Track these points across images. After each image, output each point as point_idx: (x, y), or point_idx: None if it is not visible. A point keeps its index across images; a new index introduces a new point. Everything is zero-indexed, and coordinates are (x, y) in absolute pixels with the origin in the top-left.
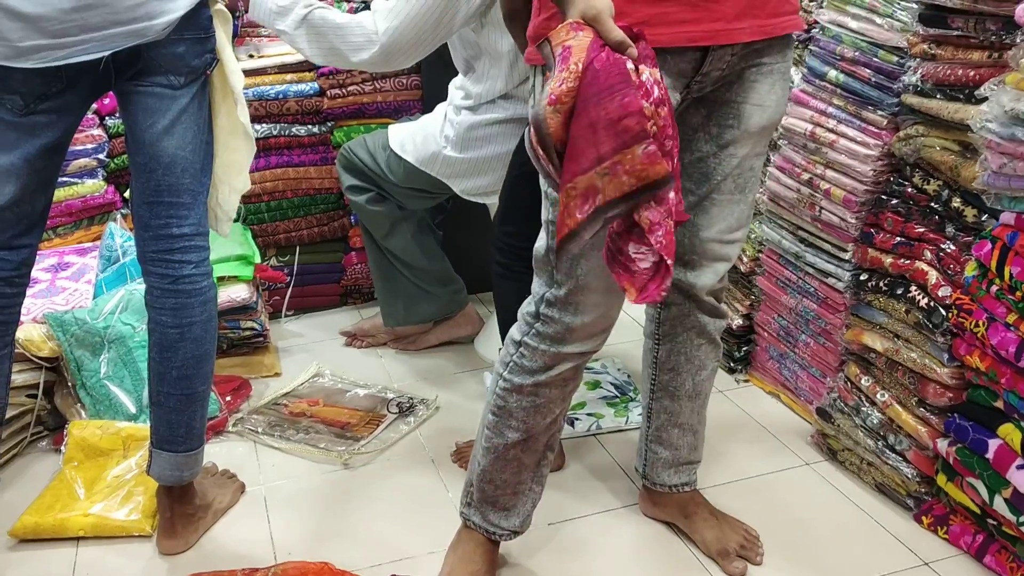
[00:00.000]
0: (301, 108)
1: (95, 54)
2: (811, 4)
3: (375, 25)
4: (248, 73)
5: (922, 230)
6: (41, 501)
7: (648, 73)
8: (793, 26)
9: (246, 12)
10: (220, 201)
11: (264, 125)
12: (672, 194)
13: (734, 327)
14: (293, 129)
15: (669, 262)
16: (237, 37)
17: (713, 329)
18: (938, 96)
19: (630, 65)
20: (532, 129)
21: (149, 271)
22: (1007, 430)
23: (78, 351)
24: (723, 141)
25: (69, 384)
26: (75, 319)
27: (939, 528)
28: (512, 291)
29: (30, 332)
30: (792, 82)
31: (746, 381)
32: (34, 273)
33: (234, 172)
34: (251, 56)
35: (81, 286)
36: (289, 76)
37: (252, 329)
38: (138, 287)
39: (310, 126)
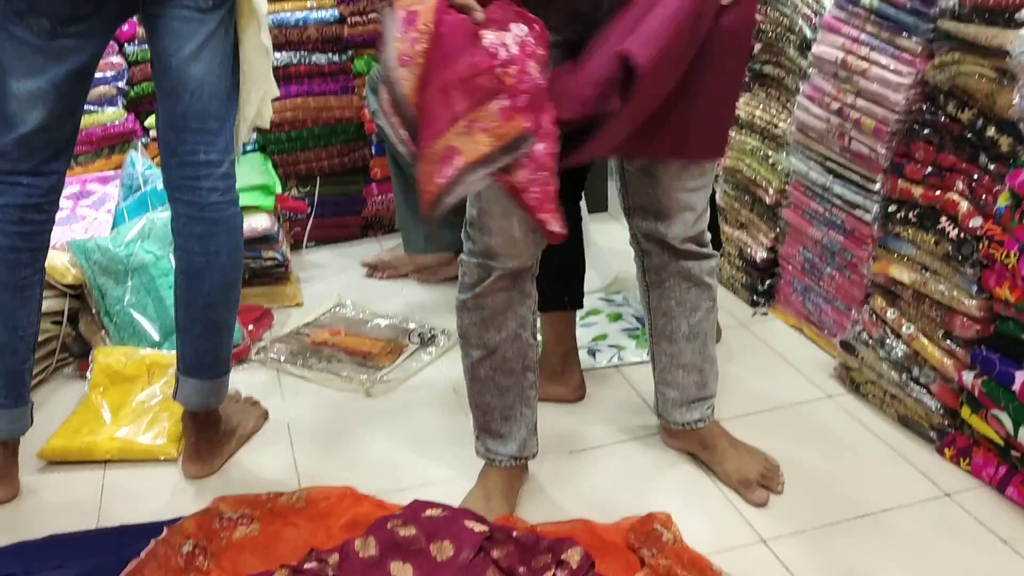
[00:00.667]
0: (321, 36)
1: None
2: None
3: None
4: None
5: (954, 160)
6: (68, 425)
7: (492, 36)
8: None
9: None
10: (257, 112)
11: (284, 53)
12: (541, 145)
13: (758, 260)
14: (313, 57)
15: (552, 206)
16: None
17: (700, 271)
18: (976, 21)
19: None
20: (386, 91)
21: (176, 198)
22: None
23: (101, 278)
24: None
25: (93, 311)
26: (97, 247)
27: (961, 460)
28: None
29: (54, 259)
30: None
31: (766, 315)
32: None
33: (246, 101)
34: None
35: (101, 215)
36: (309, 2)
37: (273, 259)
38: (160, 215)
39: (330, 54)
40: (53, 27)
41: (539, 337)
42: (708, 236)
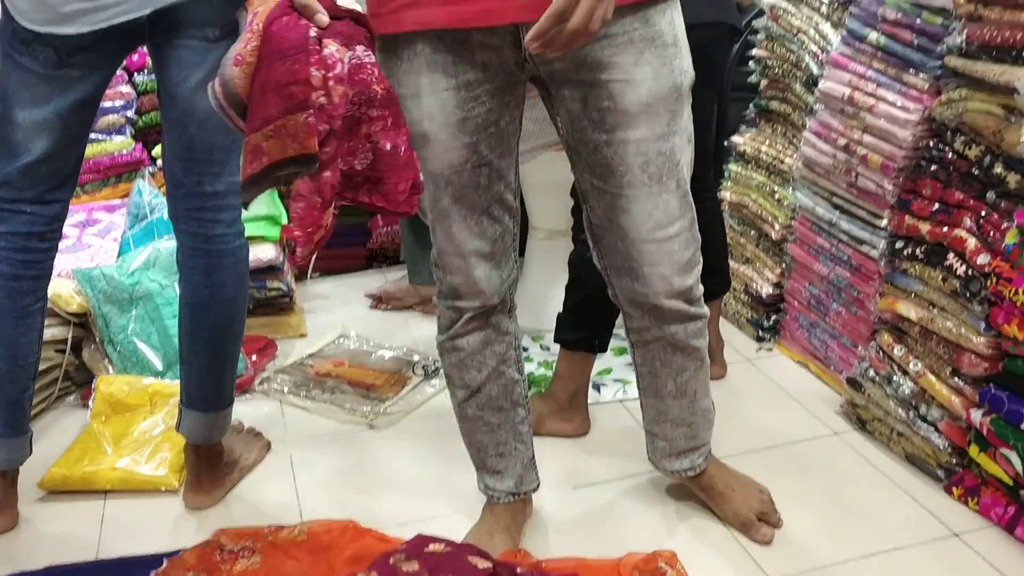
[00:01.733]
0: None
1: (135, 13)
2: None
3: None
4: None
5: (962, 196)
6: (70, 454)
7: (334, 48)
8: None
9: None
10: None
11: None
12: (327, 173)
13: (764, 295)
14: None
15: (309, 231)
16: None
17: (685, 336)
18: (983, 58)
19: (312, 33)
20: (219, 85)
21: (181, 229)
22: None
23: (106, 307)
24: (607, 125)
25: (97, 340)
26: (103, 275)
27: (970, 499)
28: None
29: (59, 287)
30: (679, 53)
31: (771, 350)
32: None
33: None
34: None
35: (107, 243)
36: None
37: (278, 289)
38: (165, 244)
39: None
40: (60, 57)
41: (548, 369)
42: (700, 290)
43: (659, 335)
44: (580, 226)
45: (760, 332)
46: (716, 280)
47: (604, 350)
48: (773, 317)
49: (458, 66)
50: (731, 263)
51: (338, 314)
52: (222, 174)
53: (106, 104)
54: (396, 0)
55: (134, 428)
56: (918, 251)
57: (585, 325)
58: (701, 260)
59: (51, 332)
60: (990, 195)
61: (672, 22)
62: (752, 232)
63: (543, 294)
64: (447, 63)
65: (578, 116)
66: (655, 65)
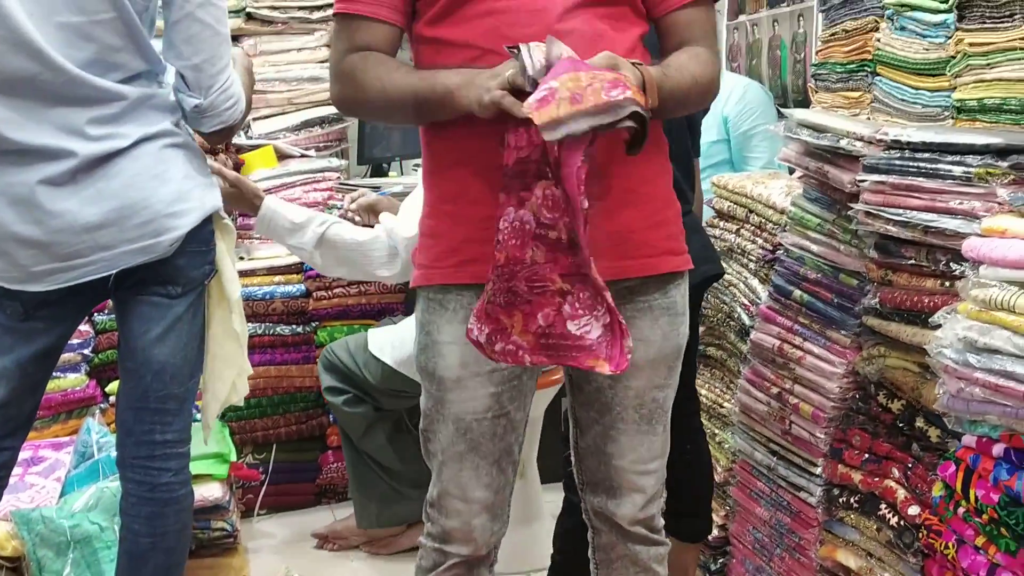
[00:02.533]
0: (287, 308)
1: (103, 272)
2: (775, 227)
3: (394, 238)
4: (239, 275)
5: (889, 448)
6: None
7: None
8: (653, 269)
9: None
10: (203, 411)
11: (249, 324)
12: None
13: (710, 538)
14: (278, 328)
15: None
16: None
17: (648, 557)
18: (896, 319)
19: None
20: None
21: (127, 477)
22: None
23: (41, 551)
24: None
25: None
26: (42, 516)
27: None
28: None
29: None
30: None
31: None
32: None
33: (218, 381)
34: (241, 258)
35: (50, 483)
36: (277, 278)
37: (223, 530)
38: (110, 484)
39: (295, 326)
40: (26, 310)
41: None
42: (660, 522)
43: (624, 552)
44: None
45: None
46: (699, 523)
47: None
48: (720, 560)
49: None
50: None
51: (284, 554)
52: (173, 423)
53: None
54: (456, 256)
55: None
56: (852, 500)
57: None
58: (665, 494)
59: None
60: (915, 448)
61: (684, 293)
62: None
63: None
64: None
65: None
66: (665, 329)
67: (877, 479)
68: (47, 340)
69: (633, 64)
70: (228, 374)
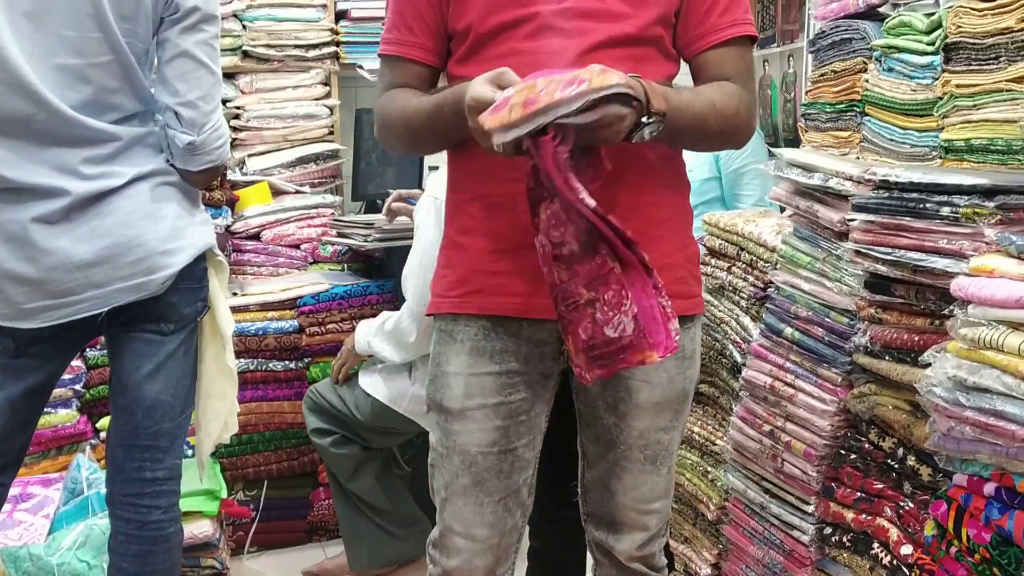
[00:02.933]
0: (280, 344)
1: (95, 310)
2: (766, 265)
3: (407, 309)
4: (232, 310)
5: (881, 486)
6: None
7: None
8: None
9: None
10: (196, 447)
11: (242, 360)
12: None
13: None
14: (270, 364)
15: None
16: None
17: None
18: (887, 358)
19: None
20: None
21: (116, 515)
22: None
23: None
24: (619, 412)
25: None
26: (29, 554)
27: None
28: None
29: None
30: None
31: None
32: None
33: (212, 417)
34: (235, 293)
35: (38, 520)
36: (271, 313)
37: (212, 567)
38: (99, 521)
39: (287, 362)
40: (18, 347)
41: None
42: (663, 561)
43: None
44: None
45: None
46: None
47: None
48: None
49: (504, 355)
50: (670, 541)
51: None
52: (164, 460)
53: None
54: (463, 287)
55: None
56: (845, 539)
57: None
58: (667, 533)
59: None
60: (907, 486)
61: (694, 338)
62: (689, 511)
63: None
64: (494, 351)
65: (595, 397)
66: (672, 373)
67: (869, 518)
68: (38, 377)
69: (632, 76)
70: (222, 411)
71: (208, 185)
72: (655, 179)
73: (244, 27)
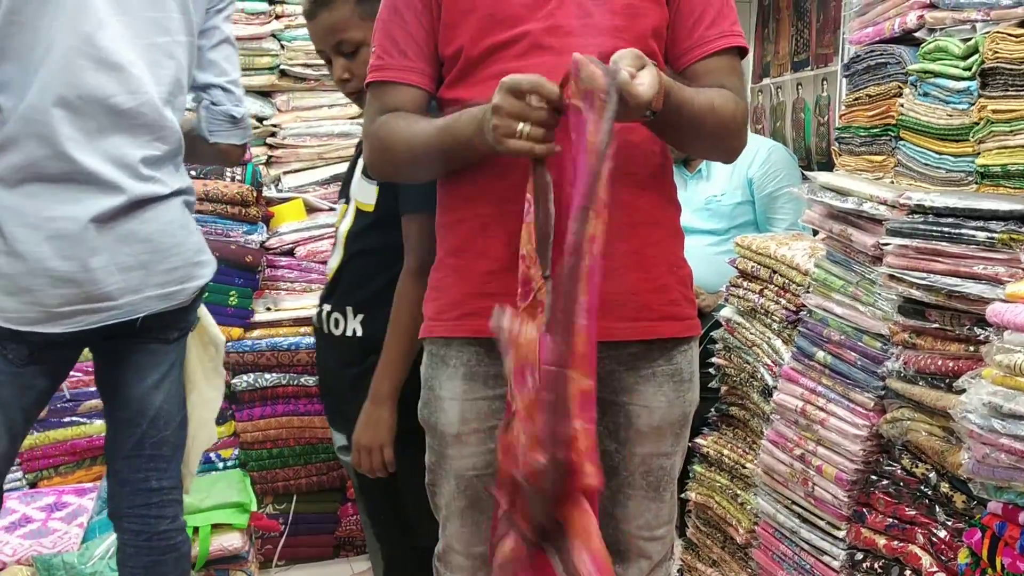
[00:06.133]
0: (311, 359)
1: (126, 318)
2: (799, 288)
3: None
4: (263, 325)
5: (914, 513)
6: None
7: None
8: (650, 333)
9: None
10: (186, 458)
11: (274, 374)
12: None
13: None
14: (302, 379)
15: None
16: (257, 290)
17: None
18: (921, 383)
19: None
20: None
21: (123, 528)
22: None
23: None
24: (619, 438)
25: None
26: (63, 563)
27: None
28: None
29: (15, 574)
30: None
31: None
32: (28, 511)
33: (200, 426)
34: (268, 309)
35: (72, 529)
36: (303, 328)
37: None
38: None
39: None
40: (32, 352)
41: None
42: None
43: None
44: None
45: None
46: None
47: None
48: None
49: (497, 379)
50: (698, 565)
51: None
52: (168, 469)
53: (91, 388)
54: (457, 310)
55: None
56: (876, 565)
57: None
58: (674, 558)
59: None
60: (940, 513)
61: (691, 360)
62: (717, 534)
63: None
64: (488, 376)
65: (595, 422)
66: (670, 396)
67: (901, 544)
68: (42, 384)
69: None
70: (209, 419)
71: (239, 161)
72: (649, 197)
73: (282, 46)
